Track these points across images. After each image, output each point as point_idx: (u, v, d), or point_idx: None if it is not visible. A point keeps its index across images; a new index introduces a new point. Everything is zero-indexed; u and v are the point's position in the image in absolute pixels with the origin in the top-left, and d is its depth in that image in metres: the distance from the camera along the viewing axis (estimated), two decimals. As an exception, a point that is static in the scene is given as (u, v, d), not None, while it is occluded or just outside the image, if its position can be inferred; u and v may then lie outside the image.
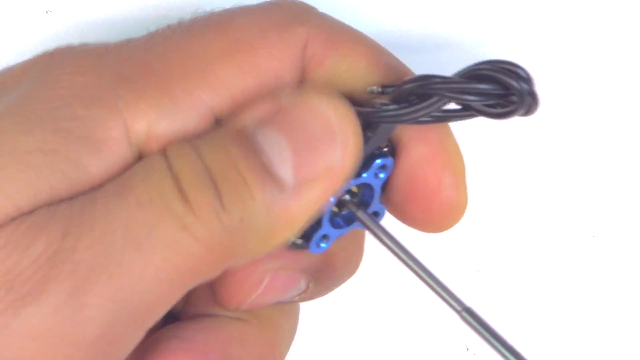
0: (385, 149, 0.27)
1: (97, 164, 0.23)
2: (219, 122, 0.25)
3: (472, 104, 0.23)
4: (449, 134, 0.27)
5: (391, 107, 0.24)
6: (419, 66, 0.28)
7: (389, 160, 0.26)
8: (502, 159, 0.37)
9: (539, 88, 0.23)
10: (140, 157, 0.24)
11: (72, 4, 0.31)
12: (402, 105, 0.24)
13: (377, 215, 0.28)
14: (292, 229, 0.24)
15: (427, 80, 0.23)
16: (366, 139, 0.25)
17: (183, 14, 0.32)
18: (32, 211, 0.22)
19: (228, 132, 0.24)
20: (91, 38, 0.32)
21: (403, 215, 0.28)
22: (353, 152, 0.24)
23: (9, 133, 0.22)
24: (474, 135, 0.33)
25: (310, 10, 0.27)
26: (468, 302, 0.25)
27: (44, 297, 0.21)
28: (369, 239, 0.29)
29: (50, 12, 0.31)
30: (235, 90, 0.25)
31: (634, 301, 0.39)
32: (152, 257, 0.22)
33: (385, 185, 0.27)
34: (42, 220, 0.22)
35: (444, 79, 0.23)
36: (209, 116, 0.24)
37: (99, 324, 0.22)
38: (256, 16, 0.25)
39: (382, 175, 0.27)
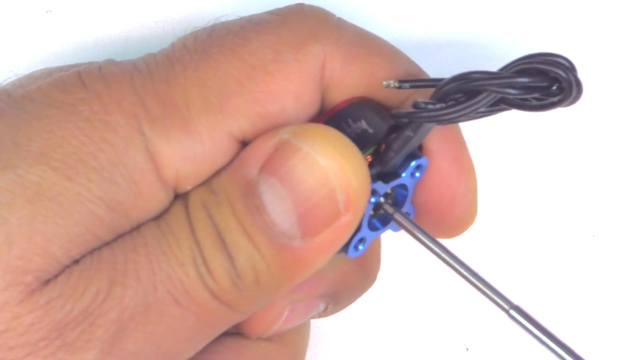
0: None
1: (137, 210, 0.24)
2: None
3: (512, 98, 0.23)
4: (465, 149, 0.27)
5: (438, 106, 0.23)
6: (420, 65, 0.28)
7: (424, 160, 0.26)
8: (502, 159, 0.37)
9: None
10: (174, 194, 0.25)
11: (72, 4, 0.31)
12: (449, 104, 0.23)
13: (412, 213, 0.28)
14: (307, 274, 0.25)
15: (469, 78, 0.23)
16: (407, 139, 0.25)
17: (183, 14, 0.32)
18: (81, 258, 0.23)
19: (236, 184, 0.24)
20: (91, 38, 0.32)
21: (425, 219, 0.28)
22: (357, 194, 0.24)
23: (53, 179, 0.22)
24: (475, 135, 0.33)
25: (326, 21, 0.26)
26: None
27: (90, 345, 0.22)
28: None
29: (50, 12, 0.31)
30: (254, 118, 0.25)
31: (634, 301, 0.39)
32: (185, 311, 0.23)
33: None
34: (89, 269, 0.23)
35: (488, 75, 0.23)
36: (232, 142, 0.25)
37: None
38: (270, 36, 0.25)
39: (417, 175, 0.27)
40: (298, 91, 0.25)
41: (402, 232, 0.28)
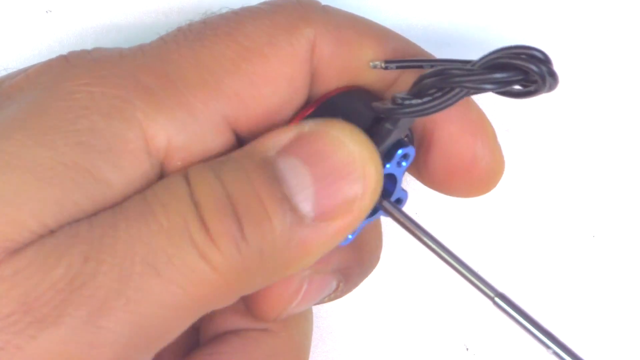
0: (405, 138, 0.27)
1: (119, 178, 0.23)
2: (240, 141, 0.25)
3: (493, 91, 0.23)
4: (472, 104, 0.27)
5: (414, 102, 0.24)
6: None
7: (410, 149, 0.27)
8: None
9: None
10: (160, 169, 0.24)
11: (72, 4, 0.31)
12: (425, 100, 0.24)
13: (399, 202, 0.28)
14: (309, 261, 0.24)
15: (446, 74, 0.23)
16: (387, 132, 0.25)
17: (182, 15, 0.32)
18: (57, 228, 0.22)
19: (250, 158, 0.24)
20: (91, 38, 0.32)
21: (446, 189, 0.29)
22: (374, 187, 0.24)
23: (26, 147, 0.22)
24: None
25: (314, 7, 0.27)
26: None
27: (61, 321, 0.21)
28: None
29: (50, 12, 0.31)
30: (248, 100, 0.25)
31: (634, 301, 0.39)
32: (169, 285, 0.22)
33: (423, 167, 0.28)
34: (63, 243, 0.22)
35: (463, 72, 0.23)
36: (224, 126, 0.24)
37: (113, 348, 0.22)
38: (263, 20, 0.25)
39: (404, 164, 0.27)
40: (291, 74, 0.25)
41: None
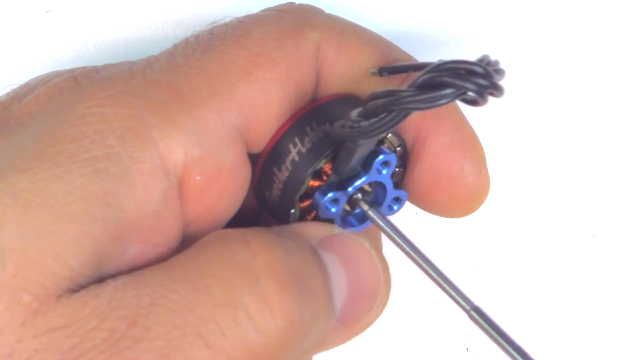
0: (398, 148, 0.27)
1: (136, 202, 0.22)
2: (249, 156, 0.25)
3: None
4: (465, 121, 0.28)
5: (363, 124, 0.24)
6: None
7: (390, 156, 0.27)
8: (502, 159, 0.37)
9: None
10: (178, 186, 0.23)
11: (72, 4, 0.31)
12: (372, 121, 0.23)
13: (399, 200, 0.28)
14: (315, 353, 0.25)
15: (388, 97, 0.23)
16: (350, 150, 0.25)
17: (183, 15, 0.32)
18: (78, 267, 0.21)
19: (303, 240, 0.24)
20: (91, 38, 0.32)
21: (429, 204, 0.29)
22: (381, 311, 0.25)
23: (43, 181, 0.21)
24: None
25: (318, 13, 0.27)
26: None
27: None
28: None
29: (50, 12, 0.31)
30: (260, 106, 0.25)
31: (634, 301, 0.39)
32: (219, 356, 0.21)
33: (408, 178, 0.28)
34: (107, 305, 0.21)
35: (401, 95, 0.22)
36: (237, 136, 0.24)
37: None
38: (270, 27, 0.25)
39: (385, 172, 0.27)
40: (300, 78, 0.25)
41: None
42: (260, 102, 0.24)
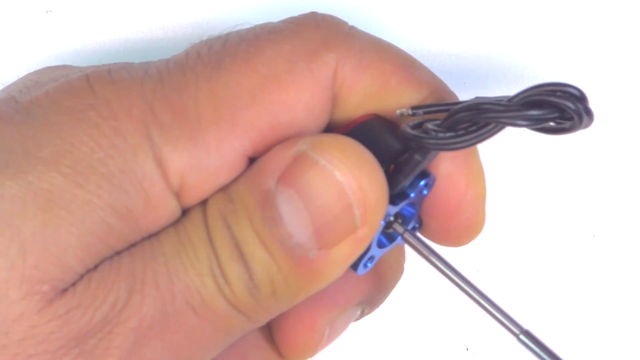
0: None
1: (147, 218, 0.23)
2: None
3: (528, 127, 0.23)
4: (476, 154, 0.27)
5: (447, 134, 0.23)
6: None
7: (432, 178, 0.26)
8: (502, 159, 0.37)
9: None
10: (180, 206, 0.24)
11: (72, 4, 0.31)
12: (458, 132, 0.23)
13: (415, 229, 0.28)
14: (324, 284, 0.25)
15: (480, 109, 0.23)
16: (416, 163, 0.25)
17: (182, 14, 0.32)
18: (99, 265, 0.23)
19: (252, 193, 0.24)
20: (91, 37, 0.32)
21: (429, 228, 0.28)
22: (375, 217, 0.24)
23: (65, 186, 0.22)
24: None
25: (339, 29, 0.26)
26: (469, 302, 0.25)
27: (109, 353, 0.22)
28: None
29: (50, 12, 0.31)
30: (266, 130, 0.24)
31: (634, 301, 0.39)
32: (204, 322, 0.24)
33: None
34: (108, 277, 0.23)
35: (498, 108, 0.22)
36: (240, 160, 0.24)
37: None
38: (283, 45, 0.25)
39: (425, 192, 0.26)
40: (310, 102, 0.25)
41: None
42: (266, 126, 0.24)
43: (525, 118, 0.22)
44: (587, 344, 0.39)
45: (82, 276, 0.22)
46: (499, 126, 0.23)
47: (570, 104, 0.22)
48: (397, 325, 0.39)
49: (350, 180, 0.23)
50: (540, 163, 0.37)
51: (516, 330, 0.25)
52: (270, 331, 0.29)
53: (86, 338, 0.22)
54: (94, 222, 0.22)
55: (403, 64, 0.26)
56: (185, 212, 0.25)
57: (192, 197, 0.24)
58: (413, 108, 0.25)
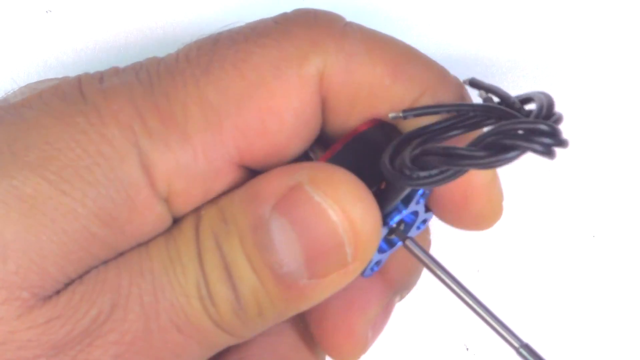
0: None
1: (133, 225, 0.23)
2: (250, 172, 0.25)
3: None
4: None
5: (421, 174, 0.23)
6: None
7: (429, 189, 0.26)
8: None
9: (539, 86, 0.22)
10: (169, 213, 0.24)
11: (72, 4, 0.31)
12: (432, 173, 0.23)
13: (425, 221, 0.28)
14: (312, 305, 0.25)
15: (453, 155, 0.22)
16: (401, 188, 0.25)
17: (183, 14, 0.32)
18: (77, 277, 0.23)
19: (246, 216, 0.24)
20: (91, 37, 0.32)
21: (441, 215, 0.28)
22: (365, 254, 0.24)
23: (49, 192, 0.22)
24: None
25: (332, 28, 0.25)
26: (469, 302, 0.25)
27: None
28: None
29: (50, 12, 0.31)
30: (253, 136, 0.24)
31: (634, 301, 0.39)
32: (188, 339, 0.24)
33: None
34: (93, 290, 0.23)
35: (469, 155, 0.22)
36: (229, 166, 0.24)
37: None
38: (272, 50, 0.25)
39: (422, 200, 0.27)
40: (299, 108, 0.25)
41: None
42: (253, 133, 0.24)
43: (494, 164, 0.22)
44: (587, 344, 0.39)
45: (66, 286, 0.22)
46: (464, 170, 0.23)
47: (538, 147, 0.21)
48: (397, 325, 0.39)
49: (343, 220, 0.24)
50: (540, 163, 0.37)
51: (516, 344, 0.25)
52: (308, 331, 0.29)
53: (65, 349, 0.22)
54: (77, 231, 0.22)
55: (396, 62, 0.26)
56: (177, 220, 0.25)
57: (182, 203, 0.24)
58: (404, 111, 0.25)
